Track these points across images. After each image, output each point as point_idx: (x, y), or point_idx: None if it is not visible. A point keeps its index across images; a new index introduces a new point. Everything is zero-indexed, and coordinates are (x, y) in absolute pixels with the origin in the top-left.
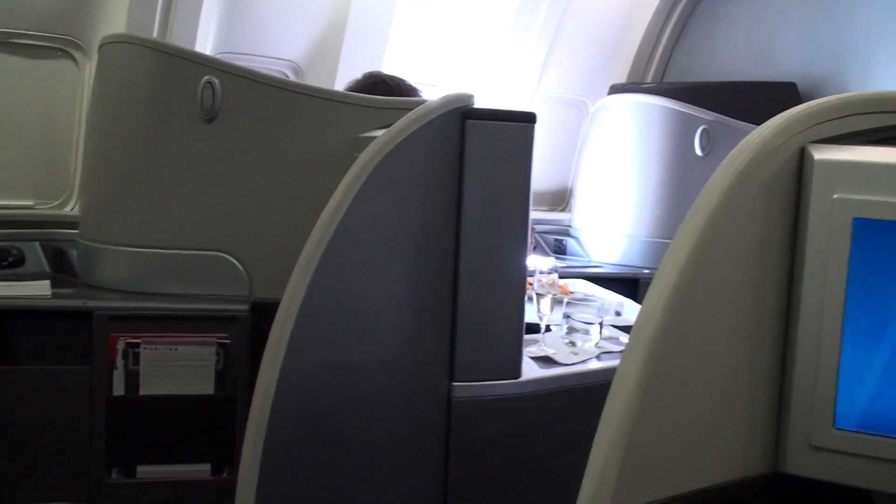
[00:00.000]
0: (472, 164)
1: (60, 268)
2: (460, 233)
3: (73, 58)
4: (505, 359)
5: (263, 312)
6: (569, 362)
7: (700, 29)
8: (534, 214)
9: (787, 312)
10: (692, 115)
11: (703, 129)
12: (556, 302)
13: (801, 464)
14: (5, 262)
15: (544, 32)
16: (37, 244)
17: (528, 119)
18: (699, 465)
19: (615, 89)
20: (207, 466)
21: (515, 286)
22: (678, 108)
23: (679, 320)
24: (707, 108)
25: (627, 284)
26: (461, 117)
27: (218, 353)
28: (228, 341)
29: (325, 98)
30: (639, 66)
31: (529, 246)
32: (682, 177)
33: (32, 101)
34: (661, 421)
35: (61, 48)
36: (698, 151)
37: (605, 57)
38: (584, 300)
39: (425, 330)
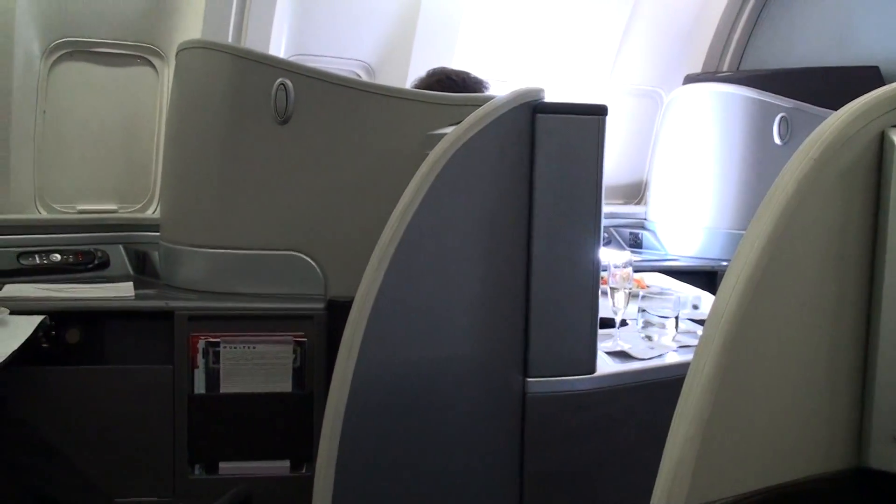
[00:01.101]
0: (543, 158)
1: (143, 269)
2: (532, 228)
3: (152, 64)
4: (579, 354)
5: (339, 310)
6: (645, 357)
7: (777, 14)
8: (608, 208)
9: (868, 302)
10: (770, 102)
11: (782, 117)
12: (632, 296)
13: (885, 458)
14: (91, 265)
15: (616, 23)
16: (120, 247)
17: (600, 112)
18: (777, 460)
19: (690, 79)
20: (287, 463)
21: (589, 280)
22: (755, 97)
23: (754, 312)
24: (786, 96)
25: (705, 277)
26: (531, 112)
27: (295, 351)
28: (305, 339)
29: (395, 97)
30: (714, 55)
31: (603, 239)
32: (760, 166)
33: (114, 108)
34: (737, 415)
35: (141, 55)
36: (777, 140)
37: (679, 46)
38: (661, 294)
39: (498, 325)
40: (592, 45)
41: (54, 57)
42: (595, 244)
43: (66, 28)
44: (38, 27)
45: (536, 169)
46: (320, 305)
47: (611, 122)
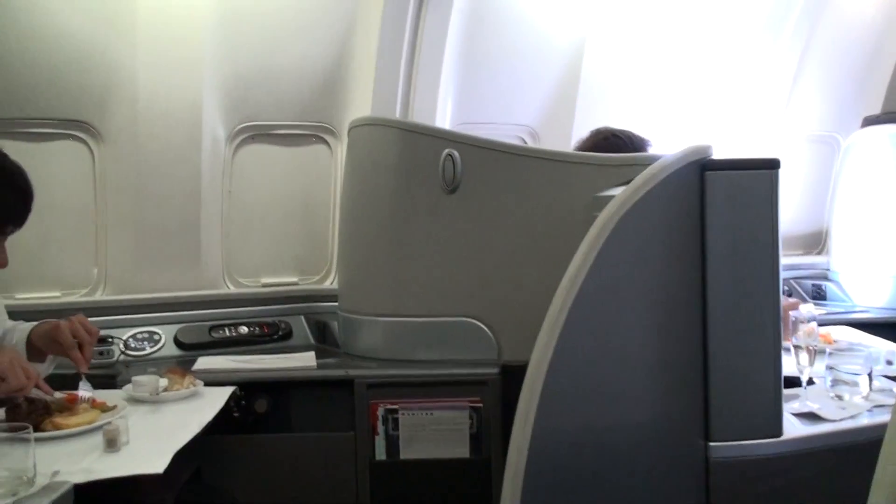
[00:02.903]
0: (715, 216)
1: (324, 338)
2: (706, 286)
3: (326, 142)
4: (764, 416)
5: (513, 374)
6: (836, 418)
7: None
8: (786, 259)
9: None
10: None
11: None
12: (818, 352)
13: None
14: (276, 336)
15: (785, 70)
16: (302, 317)
17: (772, 165)
18: None
19: (869, 121)
20: None
21: (770, 338)
22: None
23: None
24: None
25: None
26: (700, 169)
27: (471, 417)
28: (481, 404)
29: (560, 160)
30: (893, 95)
31: (783, 292)
32: None
33: (292, 185)
34: None
35: (316, 134)
36: None
37: (854, 88)
38: (850, 349)
39: (676, 388)
40: (761, 94)
41: (238, 140)
42: (775, 300)
43: (247, 113)
44: (222, 114)
45: (708, 227)
46: (494, 370)
47: (784, 169)
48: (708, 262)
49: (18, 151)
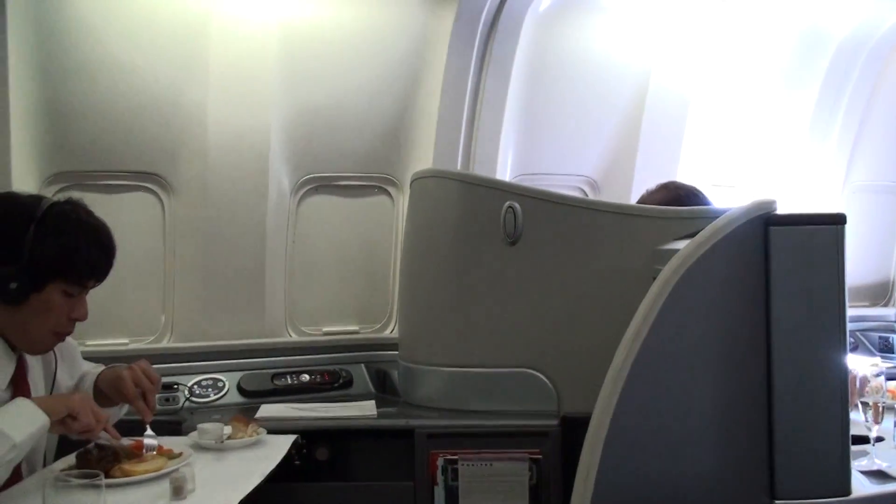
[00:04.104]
0: (779, 271)
1: (384, 387)
2: (771, 342)
3: (388, 193)
4: (831, 473)
5: (573, 426)
6: None
7: None
8: (852, 311)
9: None
10: None
11: None
12: (887, 408)
13: None
14: (337, 384)
15: (849, 122)
16: (362, 366)
17: (837, 221)
18: None
19: None
20: None
21: (836, 394)
22: None
23: None
24: None
25: None
26: (764, 224)
27: (531, 469)
28: (540, 456)
29: (621, 213)
30: None
31: (849, 345)
32: None
33: (354, 235)
34: None
35: (378, 185)
36: None
37: None
38: None
39: (741, 444)
40: (824, 146)
41: (302, 191)
42: (841, 355)
43: (312, 165)
44: (288, 166)
45: (773, 281)
46: (554, 422)
47: (850, 220)
48: (772, 316)
49: (93, 202)
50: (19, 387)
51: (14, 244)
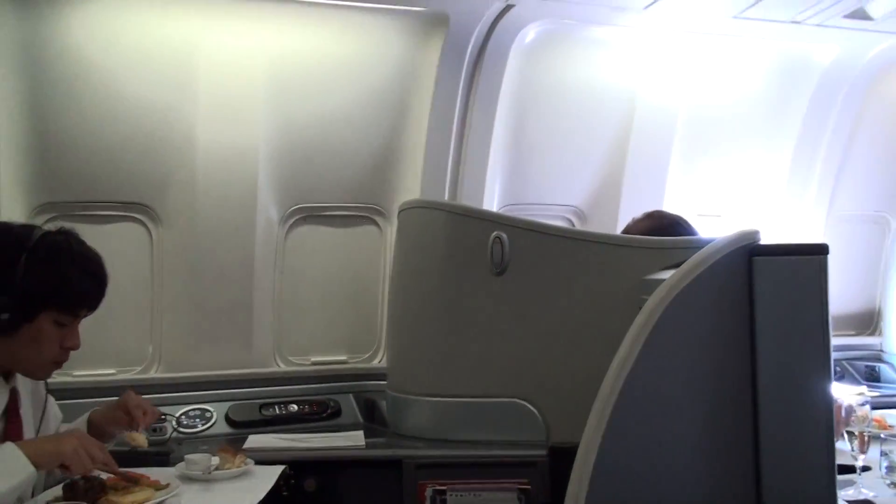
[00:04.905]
0: (763, 301)
1: (372, 417)
2: (756, 371)
3: (376, 223)
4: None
5: (561, 456)
6: None
7: None
8: (838, 340)
9: None
10: None
11: None
12: (872, 438)
13: None
14: (325, 414)
15: (832, 152)
16: (351, 396)
17: (820, 251)
18: None
19: None
20: None
21: (822, 424)
22: None
23: None
24: None
25: None
26: (748, 255)
27: (519, 499)
28: (529, 486)
29: (608, 243)
30: None
31: (835, 374)
32: None
33: (342, 265)
34: None
35: (366, 215)
36: None
37: None
38: None
39: (727, 474)
40: (808, 176)
41: (290, 221)
42: (826, 385)
43: (300, 196)
44: (276, 197)
45: (757, 311)
46: (542, 452)
47: (835, 249)
48: (757, 345)
49: (81, 232)
50: (11, 420)
51: (5, 274)
